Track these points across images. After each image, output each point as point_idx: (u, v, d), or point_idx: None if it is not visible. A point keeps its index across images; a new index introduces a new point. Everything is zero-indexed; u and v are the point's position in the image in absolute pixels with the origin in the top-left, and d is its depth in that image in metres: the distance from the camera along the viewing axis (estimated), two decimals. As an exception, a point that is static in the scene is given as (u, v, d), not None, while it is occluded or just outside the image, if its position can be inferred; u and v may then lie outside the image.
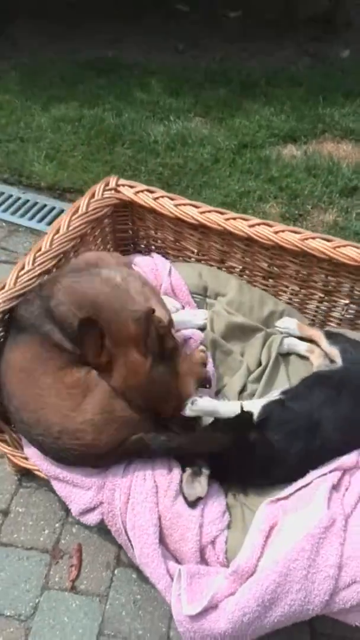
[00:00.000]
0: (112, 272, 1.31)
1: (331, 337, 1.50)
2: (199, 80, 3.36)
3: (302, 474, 1.23)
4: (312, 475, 1.22)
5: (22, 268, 1.41)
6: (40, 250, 1.45)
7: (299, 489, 1.21)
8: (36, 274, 1.40)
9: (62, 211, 2.58)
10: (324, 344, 1.50)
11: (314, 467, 1.24)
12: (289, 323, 1.62)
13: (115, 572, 1.45)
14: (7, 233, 2.49)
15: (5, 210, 2.58)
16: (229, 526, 1.22)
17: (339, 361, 1.40)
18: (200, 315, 1.59)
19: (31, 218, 2.55)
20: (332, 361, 1.46)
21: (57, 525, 1.54)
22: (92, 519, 1.27)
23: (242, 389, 1.50)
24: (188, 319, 1.57)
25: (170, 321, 1.31)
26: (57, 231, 1.50)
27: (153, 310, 1.17)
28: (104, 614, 1.37)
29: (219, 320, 1.55)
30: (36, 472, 1.35)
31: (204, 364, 1.42)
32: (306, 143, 2.93)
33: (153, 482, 1.24)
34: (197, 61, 3.65)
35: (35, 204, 2.63)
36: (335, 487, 1.18)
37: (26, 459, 1.36)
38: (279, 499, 1.21)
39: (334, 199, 2.57)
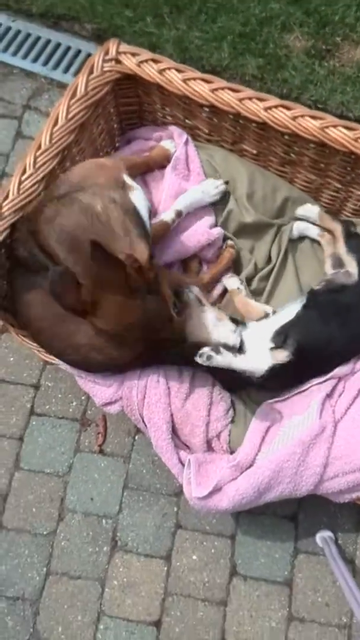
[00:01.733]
0: (93, 199, 1.22)
1: (350, 240, 1.46)
2: None
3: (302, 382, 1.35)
4: (310, 382, 1.34)
5: (24, 172, 1.34)
6: (40, 148, 1.36)
7: (296, 393, 1.35)
8: (39, 177, 1.34)
9: (58, 46, 2.29)
10: (340, 245, 1.47)
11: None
12: (310, 211, 1.56)
13: (136, 437, 1.69)
14: (1, 78, 2.25)
15: (-6, 47, 2.29)
16: (232, 420, 1.39)
17: (354, 272, 1.40)
18: (210, 186, 1.52)
19: (25, 56, 2.27)
20: (342, 263, 1.46)
21: (83, 397, 1.74)
22: (113, 409, 1.44)
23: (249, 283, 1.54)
24: (199, 197, 1.51)
25: (150, 256, 1.25)
26: (56, 122, 1.38)
27: (132, 256, 1.14)
28: (127, 472, 1.66)
29: (231, 219, 1.51)
30: (60, 366, 1.49)
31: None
32: None
33: (166, 385, 1.38)
34: None
35: (28, 35, 2.31)
36: (329, 395, 1.31)
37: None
38: (277, 401, 1.36)
39: (369, 27, 2.21)
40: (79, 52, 2.27)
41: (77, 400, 1.74)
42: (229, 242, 1.51)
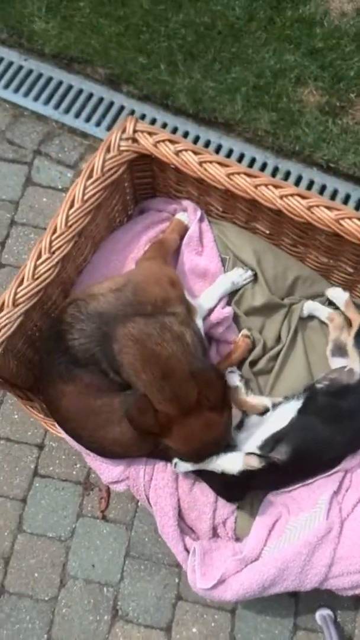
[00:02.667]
0: (180, 328, 1.28)
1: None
2: None
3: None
4: (315, 476, 1.36)
5: (39, 256, 1.34)
6: (55, 232, 1.36)
7: (303, 485, 1.37)
8: (55, 262, 1.35)
9: (70, 88, 2.27)
10: (350, 338, 1.48)
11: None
12: (340, 296, 1.58)
13: (139, 504, 1.71)
14: (11, 119, 2.24)
15: (7, 86, 2.27)
16: (238, 507, 1.41)
17: (357, 370, 1.41)
18: (238, 277, 1.55)
19: (36, 98, 2.25)
20: (343, 352, 1.48)
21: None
22: (119, 487, 1.46)
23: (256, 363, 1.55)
24: (229, 287, 1.55)
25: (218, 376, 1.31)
26: (72, 205, 1.38)
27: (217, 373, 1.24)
28: (129, 540, 1.67)
29: (243, 299, 1.53)
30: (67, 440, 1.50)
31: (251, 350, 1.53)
32: (363, -12, 2.39)
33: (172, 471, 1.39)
34: None
35: (40, 76, 2.29)
36: (336, 492, 1.33)
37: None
38: (283, 492, 1.38)
39: (384, 84, 2.21)
40: (91, 95, 2.26)
41: (80, 463, 1.76)
42: (245, 331, 1.53)
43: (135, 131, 1.46)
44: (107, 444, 1.33)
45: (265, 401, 1.44)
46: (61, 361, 1.31)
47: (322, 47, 2.25)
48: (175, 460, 1.29)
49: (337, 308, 1.60)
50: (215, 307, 1.50)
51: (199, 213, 1.57)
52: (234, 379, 1.46)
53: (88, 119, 2.22)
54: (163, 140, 1.45)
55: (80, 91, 2.27)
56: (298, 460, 1.33)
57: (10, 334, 1.32)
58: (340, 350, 1.50)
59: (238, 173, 1.43)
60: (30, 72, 2.30)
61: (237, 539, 1.39)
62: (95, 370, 1.28)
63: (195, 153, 1.44)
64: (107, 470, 1.45)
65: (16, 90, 2.27)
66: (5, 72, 2.29)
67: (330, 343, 1.54)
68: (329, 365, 1.51)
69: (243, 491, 1.33)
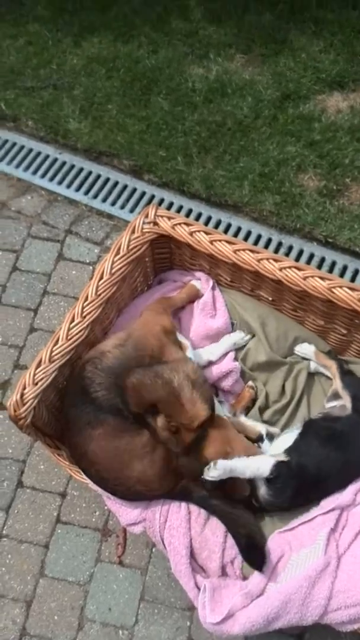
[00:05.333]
0: (171, 374, 1.48)
1: (345, 376, 1.66)
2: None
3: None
4: (313, 512, 1.50)
5: (72, 320, 1.57)
6: (87, 299, 1.60)
7: (303, 523, 1.50)
8: (85, 325, 1.57)
9: (98, 177, 2.60)
10: (337, 382, 1.67)
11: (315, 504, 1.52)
12: (307, 349, 1.77)
13: (153, 550, 1.83)
14: (46, 203, 2.56)
15: (43, 176, 2.61)
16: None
17: (348, 406, 1.59)
18: (239, 339, 1.76)
19: (69, 185, 2.59)
20: (339, 397, 1.65)
21: (105, 508, 1.89)
22: (136, 529, 1.59)
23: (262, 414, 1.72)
24: (230, 347, 1.75)
25: (212, 408, 1.50)
26: (101, 277, 1.63)
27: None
28: (144, 584, 1.78)
29: (248, 356, 1.73)
30: (90, 486, 1.66)
31: (254, 400, 1.70)
32: (354, 91, 2.74)
33: (187, 510, 1.53)
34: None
35: (72, 167, 2.64)
36: (333, 529, 1.46)
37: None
38: (286, 530, 1.51)
39: (375, 170, 2.50)
40: (116, 183, 2.59)
41: (99, 510, 1.89)
42: (250, 383, 1.71)
43: (156, 216, 1.72)
44: (132, 483, 1.48)
45: (259, 427, 1.61)
46: (89, 410, 1.50)
47: (320, 139, 2.57)
48: (217, 461, 1.41)
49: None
50: (216, 361, 1.71)
51: (211, 282, 1.80)
52: (223, 410, 1.62)
53: (113, 203, 2.53)
54: (179, 223, 1.71)
55: (107, 179, 2.60)
56: (302, 474, 1.47)
57: (45, 387, 1.52)
58: (334, 396, 1.67)
59: (243, 249, 1.67)
60: (64, 163, 2.65)
61: (244, 578, 1.50)
62: (118, 415, 1.47)
63: (206, 233, 1.69)
64: (125, 513, 1.58)
65: (51, 179, 2.61)
66: (42, 164, 2.65)
67: (329, 392, 1.71)
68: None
69: (263, 556, 1.46)
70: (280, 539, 1.51)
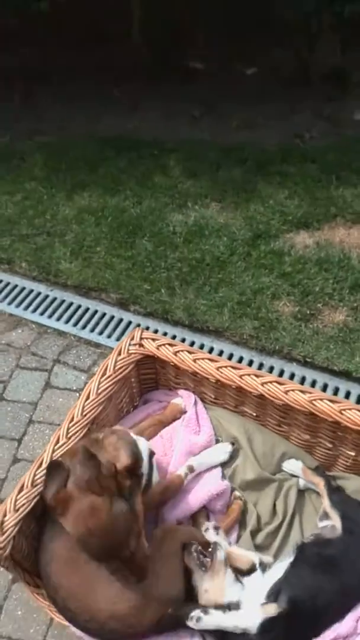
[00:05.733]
0: (101, 433, 1.48)
1: (333, 494, 1.62)
2: (215, 158, 3.48)
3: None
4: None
5: (57, 442, 1.57)
6: (72, 420, 1.61)
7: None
8: (69, 446, 1.56)
9: (87, 310, 2.75)
10: (325, 500, 1.63)
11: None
12: (294, 466, 1.75)
13: None
14: (36, 336, 2.66)
15: (34, 311, 2.75)
16: None
17: (338, 526, 1.53)
18: (220, 450, 1.73)
19: (59, 318, 2.72)
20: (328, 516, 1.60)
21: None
22: None
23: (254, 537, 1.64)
24: (210, 460, 1.72)
25: (136, 461, 1.43)
26: (87, 397, 1.66)
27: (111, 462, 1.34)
28: None
29: (236, 474, 1.70)
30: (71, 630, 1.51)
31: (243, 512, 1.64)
32: (319, 229, 3.04)
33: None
34: (213, 131, 3.78)
35: (62, 302, 2.80)
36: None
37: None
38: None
39: (344, 295, 2.68)
40: (104, 314, 2.73)
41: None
42: (236, 493, 1.67)
43: (141, 338, 1.81)
44: (103, 618, 1.36)
45: (252, 556, 1.51)
46: (49, 522, 1.45)
47: (291, 270, 2.79)
48: (197, 613, 1.29)
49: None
50: (201, 474, 1.68)
51: (193, 398, 1.83)
52: (211, 535, 1.53)
53: (101, 333, 2.65)
54: (164, 344, 1.80)
55: (95, 311, 2.75)
56: (296, 610, 1.35)
57: (26, 513, 1.46)
58: (326, 514, 1.61)
59: (225, 366, 1.73)
60: (54, 299, 2.82)
61: None
62: None
63: (189, 352, 1.77)
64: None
65: (42, 313, 2.75)
66: (33, 300, 2.81)
67: (320, 510, 1.66)
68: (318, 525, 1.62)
69: None
70: None
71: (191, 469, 1.69)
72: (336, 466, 1.81)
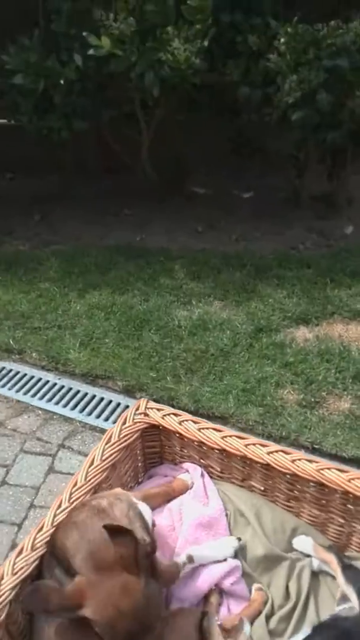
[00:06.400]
0: (101, 500, 1.41)
1: (347, 570, 1.54)
2: (217, 264, 3.74)
3: None
4: None
5: (59, 506, 1.54)
6: (76, 485, 1.59)
7: None
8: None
9: (94, 397, 2.79)
10: (339, 577, 1.54)
11: None
12: (305, 543, 1.68)
13: None
14: (42, 422, 2.67)
15: (41, 398, 2.79)
16: None
17: (356, 605, 1.44)
18: (225, 545, 1.64)
19: (65, 405, 2.74)
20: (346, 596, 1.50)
21: None
22: None
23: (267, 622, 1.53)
24: (214, 554, 1.61)
25: (153, 543, 1.35)
26: (92, 462, 1.66)
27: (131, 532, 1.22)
28: None
29: (247, 551, 1.63)
30: None
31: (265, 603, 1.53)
32: (317, 325, 3.17)
33: None
34: (215, 243, 4.08)
35: (70, 389, 2.84)
36: None
37: None
38: None
39: (347, 385, 2.73)
40: (110, 402, 2.76)
41: None
42: (257, 585, 1.58)
43: (147, 408, 1.84)
44: None
45: None
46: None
47: (293, 360, 2.87)
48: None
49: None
50: (196, 562, 1.58)
51: (199, 470, 1.81)
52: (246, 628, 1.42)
53: (107, 419, 2.65)
54: (169, 414, 1.83)
55: (102, 399, 2.78)
56: None
57: (25, 577, 1.39)
58: (344, 598, 1.51)
59: (231, 436, 1.75)
60: (62, 387, 2.86)
61: None
62: None
63: (194, 422, 1.80)
64: None
65: (49, 400, 2.78)
66: (41, 388, 2.85)
67: (337, 594, 1.56)
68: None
69: None
70: None
71: (190, 560, 1.59)
72: (350, 546, 1.73)
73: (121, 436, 1.75)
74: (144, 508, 1.50)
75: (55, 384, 2.88)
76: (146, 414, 1.83)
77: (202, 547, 1.61)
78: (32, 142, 4.27)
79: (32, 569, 1.41)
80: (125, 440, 1.75)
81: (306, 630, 1.46)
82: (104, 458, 1.67)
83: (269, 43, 3.09)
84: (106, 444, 1.72)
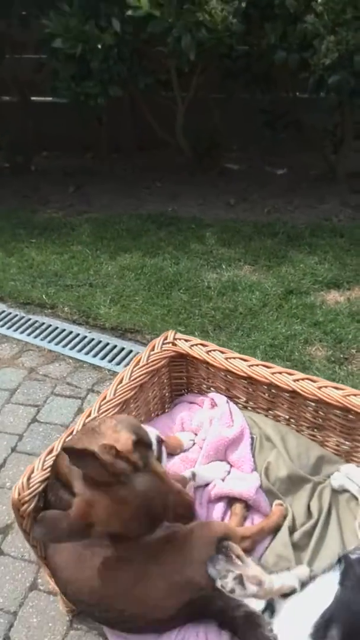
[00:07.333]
0: (96, 421, 1.41)
1: None
2: (249, 232, 3.74)
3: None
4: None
5: (89, 415, 1.58)
6: (105, 398, 1.64)
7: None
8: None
9: (122, 349, 2.83)
10: None
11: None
12: (355, 472, 1.64)
13: None
14: (72, 369, 2.73)
15: (72, 348, 2.85)
16: None
17: None
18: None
19: (95, 355, 2.80)
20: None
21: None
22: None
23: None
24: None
25: (140, 437, 1.32)
26: (121, 381, 1.70)
27: (106, 445, 1.21)
28: None
29: (270, 471, 1.64)
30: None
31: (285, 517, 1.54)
32: (349, 290, 3.14)
33: (205, 639, 1.27)
34: (247, 214, 4.08)
35: (99, 342, 2.89)
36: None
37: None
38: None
39: (378, 344, 2.70)
40: (138, 354, 2.79)
41: None
42: (278, 501, 1.59)
43: (175, 338, 1.87)
44: (121, 606, 1.27)
45: (289, 581, 1.33)
46: None
47: (323, 320, 2.86)
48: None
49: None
50: (197, 480, 1.64)
51: (224, 398, 1.82)
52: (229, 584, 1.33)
53: (135, 369, 2.69)
54: (196, 344, 1.86)
55: (131, 351, 2.82)
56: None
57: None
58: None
59: (257, 365, 1.76)
60: (92, 340, 2.92)
61: None
62: None
63: (221, 352, 1.82)
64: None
65: (79, 350, 2.84)
66: (72, 340, 2.92)
67: (359, 517, 1.55)
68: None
69: None
70: None
71: (193, 476, 1.64)
72: (374, 475, 1.72)
73: (149, 361, 1.78)
74: (146, 427, 1.51)
75: (85, 337, 2.93)
76: (174, 344, 1.86)
77: (201, 467, 1.67)
78: (68, 121, 4.37)
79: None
80: (153, 365, 1.78)
81: (333, 566, 1.36)
82: (132, 378, 1.71)
83: (307, 5, 3.08)
84: (135, 366, 1.75)
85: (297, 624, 1.25)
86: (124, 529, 1.23)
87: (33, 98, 4.79)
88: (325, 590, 1.29)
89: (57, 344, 2.89)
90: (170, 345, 1.85)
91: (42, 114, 4.76)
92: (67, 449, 1.20)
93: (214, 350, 1.82)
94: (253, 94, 4.11)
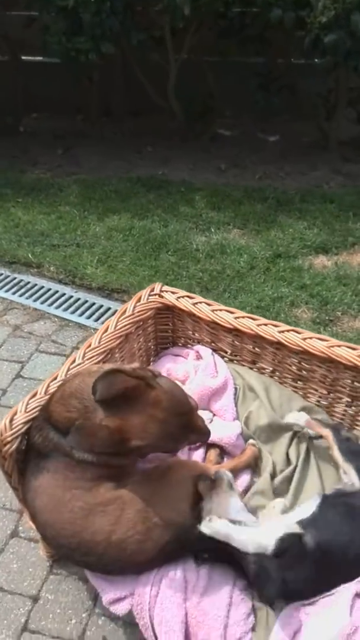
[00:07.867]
0: (94, 366, 1.44)
1: (342, 445, 1.54)
2: (239, 197, 3.70)
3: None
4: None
5: (73, 361, 1.57)
6: (89, 346, 1.62)
7: (324, 596, 1.23)
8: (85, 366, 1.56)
9: (109, 309, 2.82)
10: (336, 452, 1.54)
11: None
12: (299, 417, 1.67)
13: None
14: (58, 327, 2.71)
15: (58, 307, 2.82)
16: (253, 628, 1.23)
17: (355, 481, 1.44)
18: (232, 427, 1.67)
19: (81, 315, 2.78)
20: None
21: (84, 615, 1.56)
22: (120, 608, 1.31)
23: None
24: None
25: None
26: (106, 330, 1.68)
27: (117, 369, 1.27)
28: None
29: (250, 420, 1.65)
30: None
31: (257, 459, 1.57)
32: (337, 254, 3.14)
33: (183, 576, 1.29)
34: (238, 179, 4.04)
35: (85, 302, 2.87)
36: (358, 595, 1.20)
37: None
38: (303, 604, 1.23)
39: (363, 307, 2.71)
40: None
41: (76, 618, 1.55)
42: (251, 441, 1.61)
43: (161, 290, 1.86)
44: (101, 549, 1.27)
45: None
46: (30, 458, 1.38)
47: (310, 283, 2.86)
48: (209, 517, 1.22)
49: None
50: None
51: (209, 351, 1.82)
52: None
53: (121, 327, 2.68)
54: (183, 296, 1.84)
55: (116, 311, 2.80)
56: (324, 553, 1.23)
57: (35, 417, 1.43)
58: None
59: (243, 317, 1.76)
60: (78, 299, 2.90)
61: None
62: (59, 457, 1.32)
63: (208, 304, 1.81)
64: (109, 587, 1.33)
65: (65, 309, 2.82)
66: (58, 299, 2.89)
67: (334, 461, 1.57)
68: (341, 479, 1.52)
69: (277, 588, 1.21)
70: (295, 612, 1.23)
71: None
72: (356, 427, 1.74)
73: (135, 311, 1.77)
74: None
75: (71, 296, 2.91)
76: (161, 295, 1.84)
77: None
78: (59, 82, 4.25)
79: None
80: (139, 315, 1.77)
81: (315, 497, 1.44)
82: (117, 327, 1.70)
83: None
84: (120, 316, 1.74)
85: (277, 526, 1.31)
86: (160, 433, 1.26)
87: (23, 57, 4.64)
88: (305, 510, 1.37)
89: (42, 302, 2.86)
90: (157, 297, 1.84)
91: (32, 74, 4.62)
92: (95, 378, 1.25)
93: (201, 303, 1.81)
94: (248, 55, 4.02)
